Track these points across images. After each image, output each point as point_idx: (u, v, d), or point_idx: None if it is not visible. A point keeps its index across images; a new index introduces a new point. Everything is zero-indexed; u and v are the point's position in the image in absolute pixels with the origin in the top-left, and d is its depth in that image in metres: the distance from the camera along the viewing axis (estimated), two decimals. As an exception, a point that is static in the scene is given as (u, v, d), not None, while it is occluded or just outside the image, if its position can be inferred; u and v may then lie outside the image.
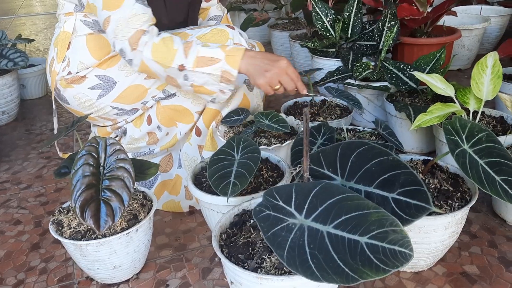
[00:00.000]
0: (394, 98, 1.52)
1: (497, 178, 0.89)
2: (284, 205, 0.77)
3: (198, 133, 1.25)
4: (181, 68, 1.06)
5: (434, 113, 1.20)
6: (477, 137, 0.93)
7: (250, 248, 0.84)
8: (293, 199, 0.77)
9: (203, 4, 1.42)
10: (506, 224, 1.16)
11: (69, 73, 1.19)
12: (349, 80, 1.62)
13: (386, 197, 0.77)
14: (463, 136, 0.94)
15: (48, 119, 2.06)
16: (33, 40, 2.35)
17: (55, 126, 1.36)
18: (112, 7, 1.05)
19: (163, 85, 1.20)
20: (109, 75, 1.19)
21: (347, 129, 1.34)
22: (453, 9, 2.50)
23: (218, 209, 1.04)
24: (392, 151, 1.05)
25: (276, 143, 1.23)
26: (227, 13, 1.48)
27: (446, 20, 2.14)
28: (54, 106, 1.32)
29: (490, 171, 0.90)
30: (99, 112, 1.23)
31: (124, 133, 1.29)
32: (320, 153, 0.85)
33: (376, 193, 0.78)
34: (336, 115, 1.45)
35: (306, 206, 0.76)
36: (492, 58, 1.27)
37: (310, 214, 0.75)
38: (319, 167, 0.84)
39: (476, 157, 0.92)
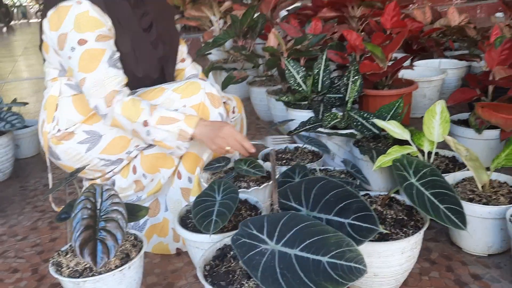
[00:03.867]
0: (360, 143, 1.68)
1: (441, 206, 1.04)
2: (257, 233, 0.90)
3: (179, 176, 1.39)
4: (145, 124, 1.23)
5: (392, 155, 1.36)
6: (422, 172, 1.09)
7: (231, 276, 0.96)
8: (265, 228, 0.90)
9: (179, 65, 1.59)
10: (462, 251, 1.30)
11: (59, 130, 1.35)
12: (320, 129, 1.79)
13: (342, 222, 0.91)
14: (411, 171, 1.09)
15: (41, 175, 2.18)
16: (27, 103, 2.50)
17: (50, 181, 1.48)
18: (88, 70, 1.22)
19: None
20: (95, 129, 1.34)
21: (320, 169, 1.50)
22: (415, 62, 2.75)
23: (202, 246, 1.15)
24: (352, 187, 1.21)
25: (254, 186, 1.37)
26: (203, 71, 1.65)
27: (409, 73, 2.37)
28: (48, 163, 1.44)
29: (435, 200, 1.05)
30: (88, 165, 1.36)
31: (113, 184, 1.42)
32: (288, 188, 0.99)
33: (334, 220, 0.92)
34: (308, 159, 1.61)
35: (276, 234, 0.89)
36: (440, 106, 1.46)
37: (279, 240, 0.88)
38: (287, 200, 0.98)
39: (422, 189, 1.07)
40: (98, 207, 1.08)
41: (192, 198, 1.37)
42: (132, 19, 1.31)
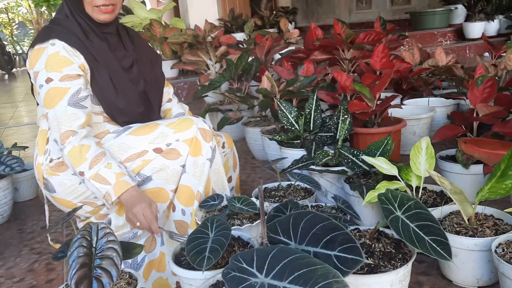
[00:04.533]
0: (351, 180, 1.73)
1: (426, 238, 1.07)
2: (247, 267, 0.93)
3: (174, 209, 1.42)
4: (81, 174, 1.33)
5: (381, 190, 1.40)
6: (407, 205, 1.13)
7: (223, 310, 0.98)
8: (255, 262, 0.93)
9: (166, 106, 1.68)
10: (453, 284, 1.31)
11: (51, 160, 1.41)
12: (312, 166, 1.84)
13: (329, 254, 0.94)
14: (396, 205, 1.13)
15: (39, 218, 2.20)
16: (27, 147, 2.56)
17: (46, 213, 1.54)
18: (48, 106, 1.33)
19: (138, 168, 1.39)
20: None
21: (312, 205, 1.54)
22: (405, 101, 2.84)
23: (196, 283, 1.18)
24: (341, 221, 1.24)
25: (247, 223, 1.40)
26: (200, 112, 1.74)
27: (399, 111, 2.45)
28: (44, 194, 1.49)
29: (420, 232, 1.08)
30: (81, 197, 1.41)
31: (109, 223, 1.45)
32: (277, 223, 1.03)
33: (321, 252, 0.95)
34: (301, 196, 1.65)
35: (265, 267, 0.92)
36: (425, 142, 1.51)
37: (269, 273, 0.91)
38: (276, 235, 1.02)
39: (407, 221, 1.10)
40: (94, 245, 1.11)
41: (190, 232, 1.40)
42: (110, 59, 1.42)
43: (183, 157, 1.39)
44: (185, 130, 1.39)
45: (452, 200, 1.49)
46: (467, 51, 5.84)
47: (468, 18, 6.10)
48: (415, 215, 1.11)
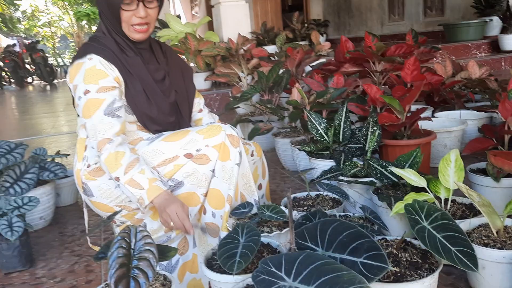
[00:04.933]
0: (379, 191, 1.75)
1: (453, 249, 1.09)
2: (276, 271, 0.97)
3: (205, 212, 1.50)
4: (117, 179, 1.41)
5: (409, 201, 1.42)
6: (433, 216, 1.15)
7: (252, 312, 1.03)
8: (283, 266, 0.98)
9: (197, 115, 1.76)
10: (481, 296, 1.32)
11: (89, 165, 1.51)
12: (341, 177, 1.87)
13: (355, 261, 0.97)
14: (422, 215, 1.16)
15: (78, 222, 2.31)
16: (69, 154, 2.70)
17: (86, 218, 1.64)
18: (86, 116, 1.43)
19: (170, 172, 1.47)
20: None
21: (340, 215, 1.57)
22: (436, 114, 2.83)
23: (227, 287, 1.23)
24: (368, 230, 1.27)
25: (276, 231, 1.45)
26: (231, 123, 1.80)
27: (430, 124, 2.44)
28: (83, 199, 1.58)
29: (446, 243, 1.10)
30: (116, 200, 1.50)
31: (144, 227, 1.53)
32: (304, 230, 1.07)
33: (348, 259, 0.99)
34: (329, 206, 1.68)
35: (293, 271, 0.97)
36: (454, 154, 1.53)
37: (296, 277, 0.96)
38: (304, 241, 1.06)
39: (434, 232, 1.13)
40: (132, 247, 1.18)
41: (222, 234, 1.46)
42: (143, 72, 1.52)
43: (212, 162, 1.46)
44: (214, 136, 1.46)
45: (481, 213, 1.50)
46: (503, 63, 5.72)
47: (503, 30, 5.98)
48: (441, 225, 1.13)
